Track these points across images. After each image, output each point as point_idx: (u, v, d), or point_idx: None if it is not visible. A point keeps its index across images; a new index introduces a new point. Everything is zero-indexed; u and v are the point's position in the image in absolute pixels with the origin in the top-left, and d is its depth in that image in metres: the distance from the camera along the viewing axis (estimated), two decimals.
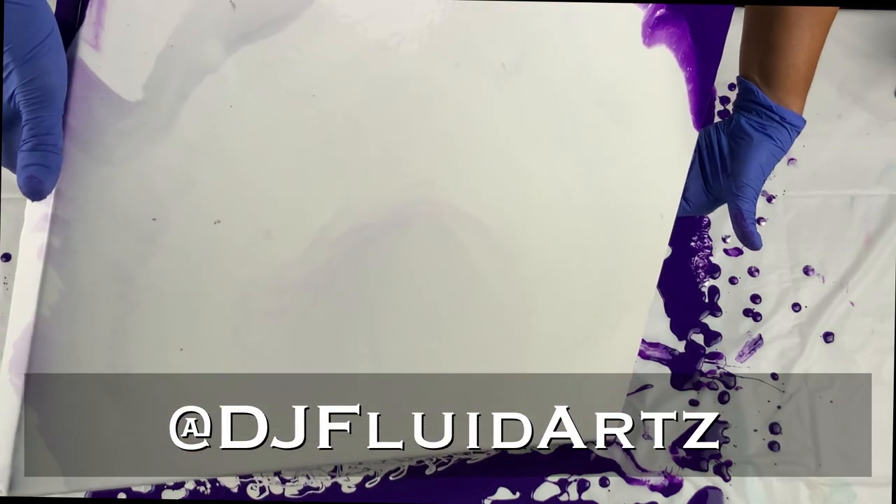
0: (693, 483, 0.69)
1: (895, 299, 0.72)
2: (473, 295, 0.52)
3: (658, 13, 0.55)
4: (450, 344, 0.53)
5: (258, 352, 0.47)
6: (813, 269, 0.73)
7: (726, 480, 0.69)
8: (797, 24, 0.56)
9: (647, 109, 0.57)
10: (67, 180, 0.40)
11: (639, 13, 0.54)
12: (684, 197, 0.58)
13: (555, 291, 0.56)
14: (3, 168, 0.38)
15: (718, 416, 0.70)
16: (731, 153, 0.58)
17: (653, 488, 0.69)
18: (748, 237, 0.57)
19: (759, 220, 0.73)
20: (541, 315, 0.56)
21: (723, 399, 0.71)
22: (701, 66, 0.58)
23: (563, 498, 0.69)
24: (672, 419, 0.70)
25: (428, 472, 0.69)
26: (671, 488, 0.69)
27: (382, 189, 0.47)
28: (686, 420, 0.70)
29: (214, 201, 0.43)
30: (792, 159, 0.75)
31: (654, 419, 0.70)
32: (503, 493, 0.68)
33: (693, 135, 0.58)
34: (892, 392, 0.70)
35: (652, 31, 0.55)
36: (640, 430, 0.70)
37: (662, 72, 0.56)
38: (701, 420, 0.70)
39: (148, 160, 0.40)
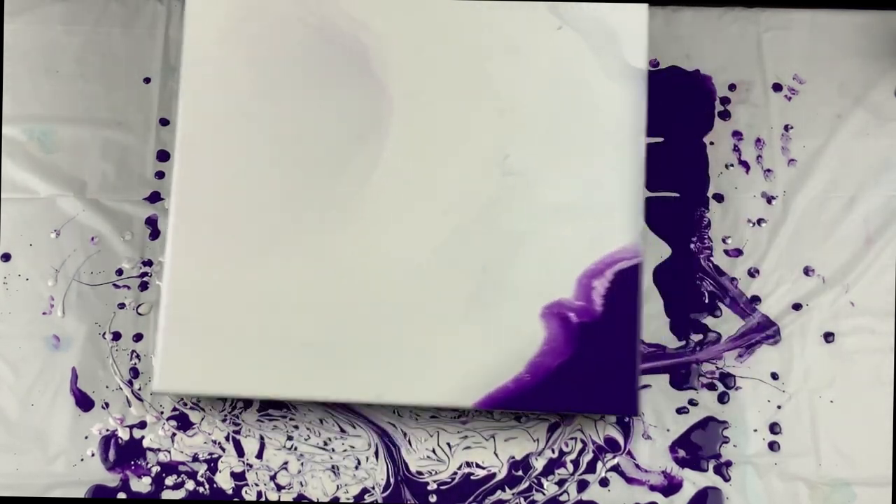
0: (693, 483, 0.69)
1: (895, 299, 0.72)
2: None
3: None
4: None
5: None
6: (813, 270, 0.73)
7: (726, 480, 0.69)
8: None
9: None
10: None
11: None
12: None
13: None
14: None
15: (717, 416, 0.70)
16: None
17: (653, 488, 0.69)
18: None
19: (759, 221, 0.73)
20: None
21: (723, 399, 0.71)
22: None
23: (563, 498, 0.69)
24: (671, 419, 0.70)
25: (429, 488, 0.69)
26: (671, 488, 0.69)
27: None
28: (685, 420, 0.70)
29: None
30: (792, 160, 0.75)
31: (654, 419, 0.70)
32: (503, 493, 0.69)
33: None
34: (892, 392, 0.70)
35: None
36: (641, 430, 0.70)
37: None
38: (700, 420, 0.70)
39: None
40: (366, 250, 0.63)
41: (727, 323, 0.72)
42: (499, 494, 0.69)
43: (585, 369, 0.61)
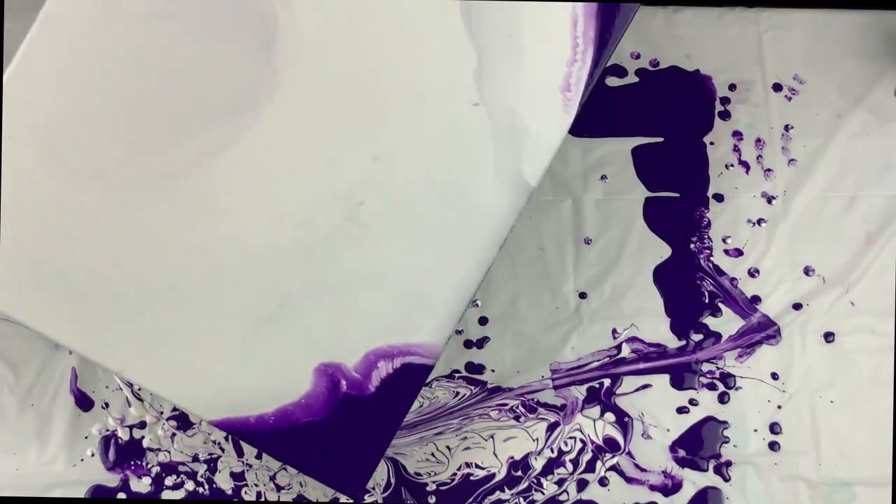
0: (693, 483, 0.69)
1: (895, 299, 0.72)
2: None
3: None
4: None
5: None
6: (813, 269, 0.73)
7: (726, 480, 0.69)
8: None
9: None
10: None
11: None
12: None
13: None
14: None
15: (717, 416, 0.70)
16: None
17: (653, 488, 0.69)
18: None
19: (759, 221, 0.73)
20: None
21: (723, 399, 0.71)
22: None
23: (563, 497, 0.69)
24: (671, 419, 0.70)
25: (429, 488, 0.69)
26: (671, 488, 0.69)
27: None
28: (685, 420, 0.70)
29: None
30: (792, 160, 0.75)
31: (654, 419, 0.70)
32: (502, 493, 0.69)
33: None
34: (892, 392, 0.70)
35: None
36: (640, 430, 0.70)
37: None
38: (700, 420, 0.70)
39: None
40: (190, 228, 0.59)
41: (727, 323, 0.72)
42: (498, 495, 0.69)
43: (330, 439, 0.59)
